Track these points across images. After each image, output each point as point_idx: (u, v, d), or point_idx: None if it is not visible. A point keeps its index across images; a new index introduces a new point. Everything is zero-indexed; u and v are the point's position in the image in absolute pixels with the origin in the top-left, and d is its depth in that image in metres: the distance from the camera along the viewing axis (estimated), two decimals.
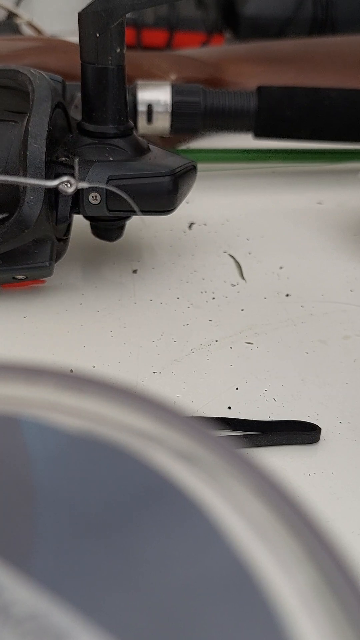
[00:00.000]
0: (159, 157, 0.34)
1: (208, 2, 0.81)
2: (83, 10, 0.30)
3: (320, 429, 0.27)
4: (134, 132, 0.34)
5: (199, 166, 0.35)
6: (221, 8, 0.82)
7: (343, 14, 0.83)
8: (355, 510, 0.25)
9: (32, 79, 0.31)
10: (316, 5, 0.82)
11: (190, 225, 0.43)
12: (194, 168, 0.34)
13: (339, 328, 0.34)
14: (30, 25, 0.72)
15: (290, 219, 0.45)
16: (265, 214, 0.46)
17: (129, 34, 0.74)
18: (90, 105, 0.33)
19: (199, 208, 0.45)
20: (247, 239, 0.42)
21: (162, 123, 0.45)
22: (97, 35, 0.30)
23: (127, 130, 0.33)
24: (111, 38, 0.31)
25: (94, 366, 0.31)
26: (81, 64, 0.32)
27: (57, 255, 0.33)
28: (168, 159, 0.33)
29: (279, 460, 0.27)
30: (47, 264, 0.31)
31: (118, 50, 0.31)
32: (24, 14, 0.76)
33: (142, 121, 0.44)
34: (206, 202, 0.46)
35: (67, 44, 0.51)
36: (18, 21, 0.74)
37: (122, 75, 0.32)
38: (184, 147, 0.52)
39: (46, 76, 0.32)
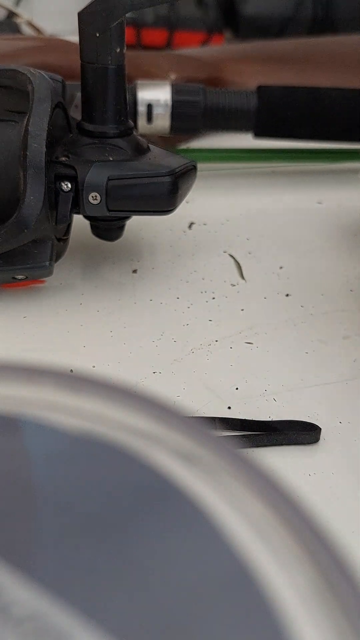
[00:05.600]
0: (159, 157, 0.34)
1: (208, 1, 0.81)
2: (83, 10, 0.30)
3: (320, 429, 0.27)
4: (134, 132, 0.34)
5: (199, 166, 0.35)
6: (221, 7, 0.82)
7: (343, 13, 0.83)
8: (355, 510, 0.25)
9: (31, 78, 0.31)
10: (316, 4, 0.82)
11: (190, 225, 0.43)
12: (194, 168, 0.34)
13: (339, 328, 0.34)
14: (30, 24, 0.72)
15: (290, 219, 0.45)
16: (265, 214, 0.46)
17: (129, 34, 0.74)
18: (90, 105, 0.33)
19: (199, 208, 0.45)
20: (247, 239, 0.42)
21: (162, 123, 0.45)
22: (97, 35, 0.30)
23: (127, 130, 0.33)
24: (111, 38, 0.31)
25: (94, 366, 0.31)
26: (81, 63, 0.32)
27: (57, 255, 0.33)
28: (168, 159, 0.33)
29: (279, 460, 0.27)
30: (47, 264, 0.31)
31: (118, 50, 0.31)
32: (24, 14, 0.76)
33: (142, 121, 0.44)
34: (206, 202, 0.46)
35: (67, 44, 0.51)
36: (18, 20, 0.74)
37: (122, 74, 0.32)
38: (184, 147, 0.52)
39: (46, 76, 0.32)
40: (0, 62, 0.48)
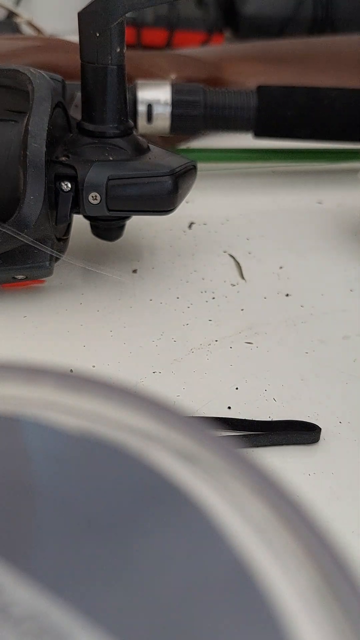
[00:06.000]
0: (159, 157, 0.34)
1: (208, 1, 0.81)
2: (83, 9, 0.30)
3: (320, 429, 0.27)
4: (134, 132, 0.34)
5: (199, 166, 0.35)
6: (221, 7, 0.82)
7: (343, 13, 0.83)
8: (355, 510, 0.25)
9: (32, 78, 0.31)
10: (316, 4, 0.82)
11: (190, 225, 0.43)
12: (194, 168, 0.34)
13: (339, 328, 0.34)
14: (30, 24, 0.72)
15: (290, 219, 0.45)
16: (265, 214, 0.46)
17: (129, 33, 0.74)
18: (90, 105, 0.33)
19: (199, 208, 0.45)
20: (247, 239, 0.42)
21: (162, 122, 0.45)
22: (97, 34, 0.30)
23: (127, 130, 0.33)
24: (111, 37, 0.31)
25: (94, 366, 0.31)
26: (81, 63, 0.32)
27: (57, 252, 0.33)
28: (168, 159, 0.33)
29: (279, 460, 0.27)
30: (47, 263, 0.31)
31: (118, 50, 0.31)
32: (24, 13, 0.76)
33: (142, 121, 0.44)
34: (206, 202, 0.46)
35: (67, 43, 0.51)
36: (18, 20, 0.74)
37: (122, 74, 0.32)
38: (184, 147, 0.52)
39: (46, 76, 0.32)
40: (0, 61, 0.48)
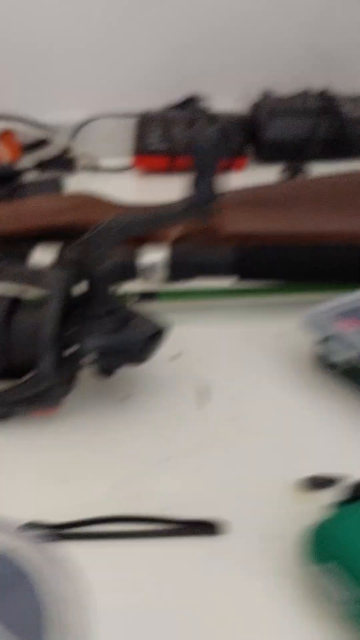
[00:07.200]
0: (138, 325, 0.47)
1: (232, 131, 0.94)
2: (99, 269, 0.45)
3: (220, 525, 0.34)
4: (124, 308, 0.47)
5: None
6: (244, 133, 0.95)
7: (355, 136, 0.94)
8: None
9: (46, 279, 0.46)
10: (329, 129, 0.94)
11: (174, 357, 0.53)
12: (163, 331, 0.47)
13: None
14: (85, 156, 0.85)
15: (247, 347, 0.53)
16: (226, 343, 0.54)
17: (163, 161, 0.87)
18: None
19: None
20: (208, 368, 0.50)
21: (159, 276, 0.58)
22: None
23: (116, 310, 0.47)
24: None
25: None
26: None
27: (64, 393, 0.47)
28: (145, 326, 0.47)
29: (178, 549, 0.33)
30: (53, 404, 0.46)
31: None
32: (79, 147, 0.89)
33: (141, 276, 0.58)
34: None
35: (99, 202, 0.65)
36: (71, 156, 0.87)
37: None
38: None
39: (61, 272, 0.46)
40: (44, 219, 0.62)
